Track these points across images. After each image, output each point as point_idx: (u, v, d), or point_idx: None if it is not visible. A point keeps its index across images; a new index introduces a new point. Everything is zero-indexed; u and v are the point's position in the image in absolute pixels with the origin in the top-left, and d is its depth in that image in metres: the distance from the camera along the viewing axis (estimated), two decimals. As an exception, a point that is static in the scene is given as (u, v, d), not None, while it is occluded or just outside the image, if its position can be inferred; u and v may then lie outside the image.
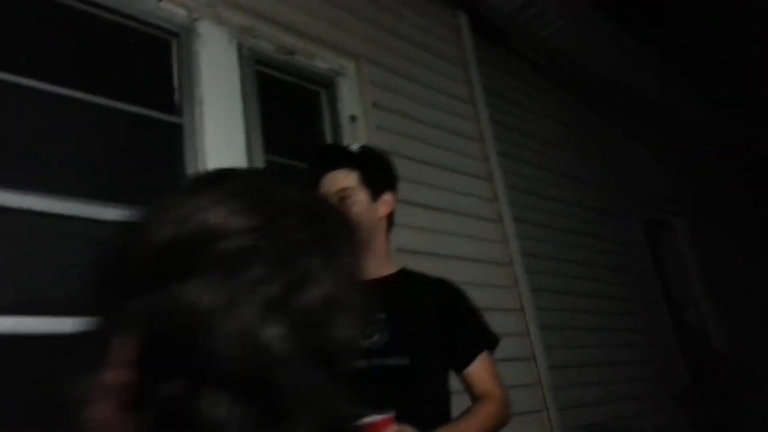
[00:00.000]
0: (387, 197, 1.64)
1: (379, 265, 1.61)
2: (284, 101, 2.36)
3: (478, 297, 2.72)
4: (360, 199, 1.58)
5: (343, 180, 1.57)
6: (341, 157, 1.62)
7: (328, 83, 2.50)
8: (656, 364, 4.22)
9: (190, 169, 1.89)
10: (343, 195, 1.56)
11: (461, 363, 1.58)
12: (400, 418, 1.30)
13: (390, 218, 1.66)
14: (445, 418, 1.56)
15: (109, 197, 1.69)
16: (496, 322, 2.81)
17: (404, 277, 1.67)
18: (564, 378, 3.13)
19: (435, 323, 1.58)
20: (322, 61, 2.49)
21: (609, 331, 3.83)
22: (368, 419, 1.24)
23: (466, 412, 1.53)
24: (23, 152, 1.63)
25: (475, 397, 1.56)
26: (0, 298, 1.46)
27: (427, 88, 2.95)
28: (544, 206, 3.76)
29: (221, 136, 1.99)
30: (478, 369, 1.58)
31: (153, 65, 1.99)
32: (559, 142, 4.22)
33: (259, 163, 2.08)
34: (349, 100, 2.53)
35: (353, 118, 2.51)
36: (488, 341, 1.64)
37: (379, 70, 2.71)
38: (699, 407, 4.22)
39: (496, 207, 3.05)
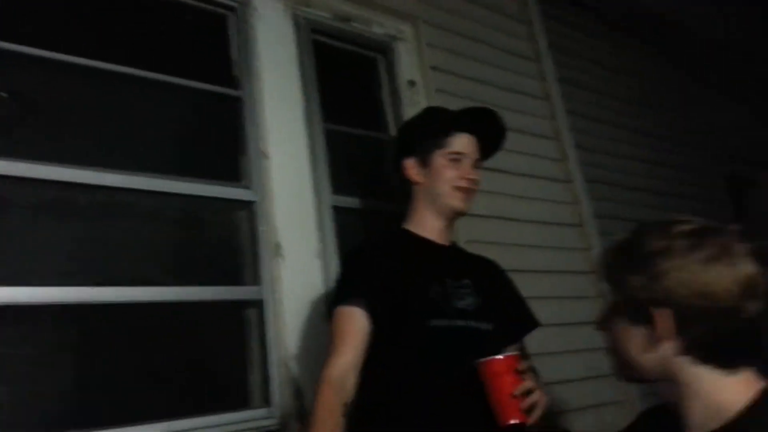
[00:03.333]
0: None
1: (451, 235, 1.66)
2: (342, 69, 2.34)
3: (550, 259, 2.67)
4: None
5: (479, 151, 1.62)
6: (488, 130, 1.64)
7: (385, 48, 2.46)
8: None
9: (251, 141, 1.91)
10: (477, 166, 1.61)
11: (511, 338, 1.62)
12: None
13: None
14: None
15: (173, 171, 1.73)
16: (570, 285, 2.76)
17: (460, 249, 1.73)
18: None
19: (500, 296, 1.63)
20: (379, 27, 2.45)
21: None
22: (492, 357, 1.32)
23: None
24: (92, 131, 1.70)
25: None
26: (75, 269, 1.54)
27: (488, 47, 2.85)
28: (618, 165, 3.60)
29: (280, 106, 2.00)
30: (522, 347, 1.65)
31: (211, 40, 2.02)
32: (632, 98, 4.01)
33: (319, 132, 2.08)
34: (408, 64, 2.49)
35: (412, 83, 2.46)
36: (535, 323, 1.69)
37: (438, 31, 2.64)
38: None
39: (565, 167, 2.94)
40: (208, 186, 1.79)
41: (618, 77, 3.97)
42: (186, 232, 1.78)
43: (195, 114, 1.92)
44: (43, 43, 1.61)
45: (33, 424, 1.40)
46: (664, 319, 0.89)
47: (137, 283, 1.59)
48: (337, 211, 2.04)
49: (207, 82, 1.91)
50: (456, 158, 1.55)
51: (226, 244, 1.83)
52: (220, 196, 1.81)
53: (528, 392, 1.31)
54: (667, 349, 0.90)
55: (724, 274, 0.87)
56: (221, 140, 1.93)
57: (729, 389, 0.88)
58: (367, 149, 2.29)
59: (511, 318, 1.63)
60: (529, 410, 1.32)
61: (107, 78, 1.73)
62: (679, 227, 0.94)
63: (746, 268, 0.88)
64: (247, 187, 1.87)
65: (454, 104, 2.55)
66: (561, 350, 2.49)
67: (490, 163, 2.62)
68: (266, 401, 1.68)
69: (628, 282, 0.93)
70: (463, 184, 1.54)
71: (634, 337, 0.94)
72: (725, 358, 0.89)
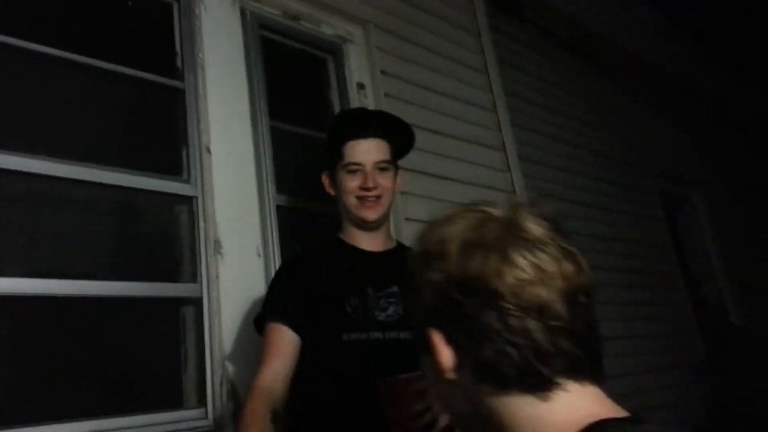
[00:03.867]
0: (400, 171, 1.64)
1: (386, 239, 1.63)
2: (290, 67, 2.31)
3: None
4: (393, 173, 1.59)
5: (383, 151, 1.57)
6: (386, 127, 1.60)
7: (335, 50, 2.44)
8: (674, 338, 4.15)
9: (193, 135, 1.85)
10: (383, 167, 1.55)
11: None
12: None
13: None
14: None
15: (110, 161, 1.66)
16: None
17: (399, 252, 1.67)
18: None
19: None
20: (329, 27, 2.44)
21: (626, 304, 3.77)
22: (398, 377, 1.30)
23: None
24: (25, 115, 1.61)
25: None
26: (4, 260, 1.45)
27: (438, 56, 2.87)
28: (559, 178, 3.69)
29: (224, 101, 1.95)
30: None
31: (155, 29, 1.95)
32: (574, 114, 4.12)
33: (264, 130, 2.04)
34: (357, 67, 2.48)
35: (361, 86, 2.45)
36: None
37: (389, 36, 2.64)
38: (715, 381, 4.17)
39: (508, 178, 2.99)
40: (147, 179, 1.73)
41: (561, 93, 4.08)
42: (123, 225, 1.71)
43: (136, 104, 1.86)
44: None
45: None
46: (436, 341, 0.66)
47: (70, 276, 1.51)
48: (282, 210, 2.00)
49: (150, 71, 1.85)
50: (353, 169, 1.54)
51: (165, 239, 1.77)
52: (158, 189, 1.75)
53: (424, 412, 1.30)
54: (462, 379, 0.65)
55: (494, 265, 0.62)
56: (162, 132, 1.87)
57: (550, 422, 0.61)
58: (314, 149, 2.26)
59: None
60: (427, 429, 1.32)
61: (44, 61, 1.65)
62: (462, 216, 0.69)
63: (534, 253, 0.63)
64: (187, 182, 1.81)
65: (402, 109, 2.56)
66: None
67: (435, 169, 2.66)
68: (201, 401, 1.62)
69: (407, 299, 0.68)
70: (363, 194, 1.53)
71: (428, 371, 0.70)
72: (528, 380, 0.62)
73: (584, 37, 4.35)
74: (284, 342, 1.40)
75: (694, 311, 4.53)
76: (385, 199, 1.56)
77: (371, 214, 1.54)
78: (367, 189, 1.52)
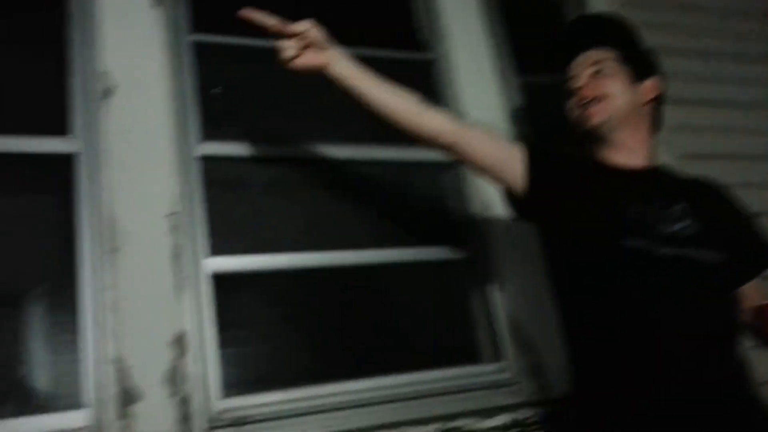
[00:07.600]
0: (651, 82, 1.42)
1: (651, 157, 1.39)
2: (531, 15, 2.23)
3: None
4: (617, 72, 1.38)
5: (597, 56, 1.40)
6: (598, 37, 1.43)
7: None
8: None
9: (447, 103, 1.89)
10: (598, 69, 1.38)
11: (745, 276, 1.34)
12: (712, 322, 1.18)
13: (655, 111, 1.43)
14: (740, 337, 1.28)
15: (384, 139, 1.75)
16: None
17: (671, 172, 1.43)
18: None
19: (731, 224, 1.35)
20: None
21: None
22: None
23: None
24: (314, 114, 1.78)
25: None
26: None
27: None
28: None
29: (472, 65, 1.96)
30: (754, 285, 1.36)
31: (395, 7, 2.03)
32: None
33: (514, 87, 2.01)
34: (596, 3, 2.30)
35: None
36: None
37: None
38: None
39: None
40: (414, 151, 1.80)
41: None
42: (399, 197, 1.84)
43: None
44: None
45: (274, 378, 1.49)
46: None
47: (363, 247, 1.67)
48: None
49: (398, 49, 1.94)
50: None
51: (437, 206, 1.86)
52: (424, 160, 1.81)
53: None
54: None
55: None
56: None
57: None
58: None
59: (747, 253, 1.34)
60: None
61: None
62: None
63: None
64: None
65: (655, 37, 2.31)
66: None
67: (706, 96, 2.34)
68: (497, 357, 1.68)
69: None
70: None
71: None
72: None
73: None
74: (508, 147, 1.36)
75: None
76: (609, 104, 1.34)
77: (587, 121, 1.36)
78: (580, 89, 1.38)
